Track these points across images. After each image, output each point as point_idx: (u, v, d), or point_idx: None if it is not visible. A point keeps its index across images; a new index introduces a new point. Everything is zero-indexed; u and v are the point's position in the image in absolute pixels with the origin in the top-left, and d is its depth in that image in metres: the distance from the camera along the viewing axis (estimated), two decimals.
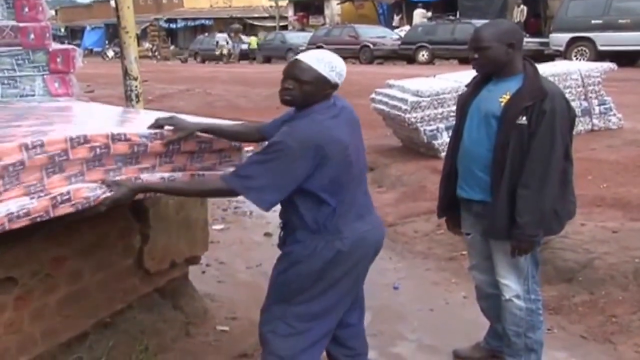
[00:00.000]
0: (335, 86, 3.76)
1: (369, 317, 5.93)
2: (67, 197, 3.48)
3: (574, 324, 5.74)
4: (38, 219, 3.39)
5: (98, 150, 3.62)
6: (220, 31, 53.11)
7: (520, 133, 4.18)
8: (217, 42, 47.48)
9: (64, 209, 3.49)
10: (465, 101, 4.61)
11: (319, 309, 3.94)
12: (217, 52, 46.93)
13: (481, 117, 4.40)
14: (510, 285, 4.56)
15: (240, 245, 8.14)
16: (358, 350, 4.41)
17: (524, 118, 4.17)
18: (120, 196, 3.68)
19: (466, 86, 4.80)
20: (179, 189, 3.99)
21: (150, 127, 3.93)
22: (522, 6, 34.32)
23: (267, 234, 8.45)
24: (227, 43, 47.20)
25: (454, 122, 10.61)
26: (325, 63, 3.69)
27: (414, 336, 5.74)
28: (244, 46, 46.79)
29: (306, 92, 3.68)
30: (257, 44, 45.58)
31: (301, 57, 3.74)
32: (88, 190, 3.59)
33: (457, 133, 4.65)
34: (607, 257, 6.29)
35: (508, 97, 4.25)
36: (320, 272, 3.84)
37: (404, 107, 10.53)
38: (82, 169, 3.60)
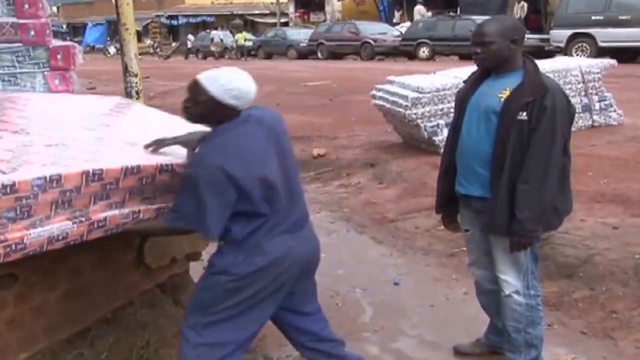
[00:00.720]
0: (233, 107, 3.68)
1: (370, 313, 5.97)
2: (103, 223, 3.55)
3: (574, 319, 5.75)
4: (71, 242, 3.44)
5: (144, 180, 3.68)
6: (215, 28, 53.21)
7: (520, 128, 4.19)
8: (212, 39, 47.90)
9: (97, 234, 3.56)
10: (463, 97, 4.61)
11: (233, 322, 3.89)
12: (213, 49, 47.32)
13: (480, 112, 4.40)
14: (510, 281, 4.56)
15: None
16: (322, 334, 4.39)
17: (524, 113, 4.17)
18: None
19: (464, 82, 4.81)
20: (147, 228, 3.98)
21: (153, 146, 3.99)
22: (522, 2, 34.27)
23: None
24: (222, 40, 47.54)
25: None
26: (220, 85, 3.62)
27: (415, 332, 5.75)
28: (232, 43, 46.70)
29: (201, 112, 3.69)
30: (245, 40, 45.45)
31: (200, 76, 3.69)
32: (121, 217, 3.64)
33: (455, 129, 4.66)
34: (607, 253, 6.31)
35: (508, 92, 4.26)
36: (237, 285, 3.80)
37: (404, 103, 10.54)
38: (124, 197, 3.64)
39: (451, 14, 34.85)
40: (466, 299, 6.12)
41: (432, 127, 10.55)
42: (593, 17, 24.41)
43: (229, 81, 3.63)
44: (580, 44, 24.80)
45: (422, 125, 10.48)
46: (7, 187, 3.10)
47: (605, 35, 23.83)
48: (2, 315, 4.14)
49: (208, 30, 53.16)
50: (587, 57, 21.21)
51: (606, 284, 6.05)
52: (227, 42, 47.24)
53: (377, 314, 6.05)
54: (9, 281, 4.14)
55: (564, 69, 11.32)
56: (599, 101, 11.61)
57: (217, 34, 48.56)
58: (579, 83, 11.38)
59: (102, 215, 3.53)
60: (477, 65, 4.50)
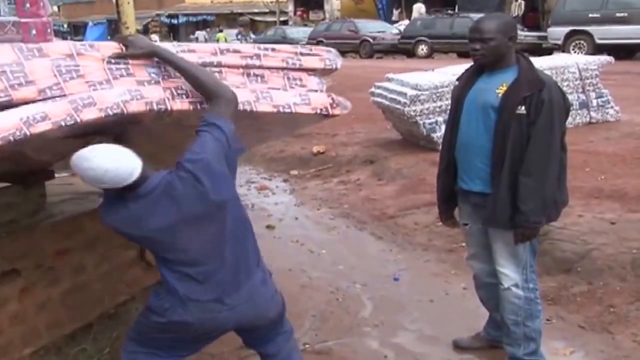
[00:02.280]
0: (109, 189, 3.36)
1: (370, 308, 6.01)
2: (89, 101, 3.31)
3: (573, 314, 5.77)
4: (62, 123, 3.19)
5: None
6: (218, 26, 53.60)
7: (519, 122, 4.24)
8: (197, 39, 49.23)
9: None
10: (460, 94, 4.65)
11: (151, 352, 3.81)
12: None
13: (478, 109, 4.44)
14: (509, 274, 4.60)
15: None
16: None
17: (523, 108, 4.23)
18: (134, 52, 3.53)
19: (457, 80, 4.85)
20: (187, 69, 3.56)
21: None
22: (519, 0, 34.30)
23: (269, 227, 8.52)
24: (206, 40, 48.30)
25: None
26: (81, 174, 3.29)
27: (415, 326, 5.78)
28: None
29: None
30: (225, 39, 46.00)
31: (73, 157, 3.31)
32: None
33: (453, 126, 4.69)
34: (605, 248, 6.34)
35: (505, 87, 4.31)
36: (161, 328, 3.68)
37: (403, 100, 10.57)
38: (107, 77, 3.48)
39: (449, 11, 34.84)
40: (465, 293, 6.16)
41: (430, 124, 10.58)
42: (590, 15, 24.41)
43: (84, 170, 3.25)
44: (577, 42, 24.81)
45: (420, 122, 10.51)
46: None
47: (603, 33, 23.83)
48: (6, 310, 4.18)
49: (208, 29, 53.29)
50: (585, 54, 21.23)
51: (604, 278, 6.08)
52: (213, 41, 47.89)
53: (377, 309, 6.08)
54: (12, 277, 4.18)
55: (562, 66, 11.35)
56: (597, 98, 11.64)
57: (202, 34, 50.68)
58: (576, 80, 11.40)
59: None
60: (476, 61, 4.52)
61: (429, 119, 10.57)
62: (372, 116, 12.74)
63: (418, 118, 10.47)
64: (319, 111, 4.03)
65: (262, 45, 3.97)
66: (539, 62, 12.16)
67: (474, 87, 4.54)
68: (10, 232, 4.28)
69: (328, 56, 4.17)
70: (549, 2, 33.85)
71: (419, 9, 39.08)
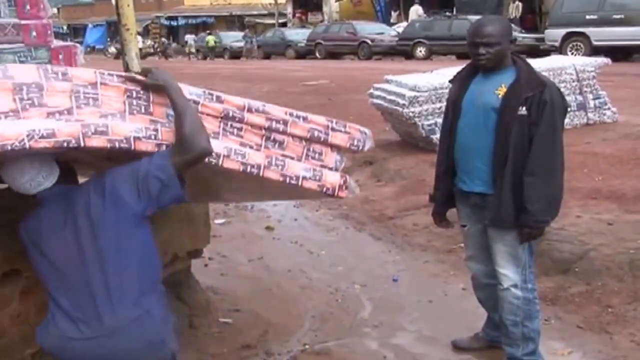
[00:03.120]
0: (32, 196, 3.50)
1: (369, 309, 6.03)
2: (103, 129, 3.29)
3: (571, 314, 5.81)
4: (65, 144, 3.17)
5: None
6: (198, 31, 55.21)
7: (520, 123, 4.28)
8: (187, 42, 52.12)
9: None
10: (457, 96, 4.68)
11: None
12: (186, 50, 51.53)
13: (478, 110, 4.48)
14: (509, 275, 4.63)
15: (242, 239, 8.21)
16: None
17: (524, 108, 4.27)
18: (147, 82, 3.49)
19: (450, 82, 4.88)
20: (180, 114, 3.41)
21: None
22: (517, 2, 34.32)
23: (268, 228, 8.54)
24: (194, 42, 51.50)
25: None
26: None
27: (414, 327, 5.81)
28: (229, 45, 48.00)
29: None
30: (214, 42, 48.77)
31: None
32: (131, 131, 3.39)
33: (451, 128, 4.72)
34: (602, 248, 6.37)
35: (504, 89, 4.35)
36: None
37: (402, 102, 10.60)
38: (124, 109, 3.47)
39: (447, 13, 34.87)
40: (464, 294, 6.17)
41: (429, 125, 10.60)
42: (587, 17, 24.48)
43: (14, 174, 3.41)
44: (574, 43, 24.87)
45: (419, 123, 10.54)
46: None
47: (600, 34, 23.89)
48: (7, 311, 4.18)
49: (208, 32, 53.44)
50: (582, 55, 21.26)
51: (602, 279, 6.11)
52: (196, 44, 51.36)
53: (376, 309, 6.11)
54: (13, 277, 4.19)
55: (559, 68, 11.38)
56: (594, 99, 11.66)
57: (191, 37, 52.87)
58: (573, 81, 11.43)
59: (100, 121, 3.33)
60: (481, 66, 4.54)
61: (428, 120, 10.60)
62: (370, 118, 12.72)
63: (417, 119, 10.51)
64: (325, 190, 3.91)
65: (294, 112, 3.84)
66: (537, 64, 12.14)
67: (471, 89, 4.57)
68: (11, 233, 4.29)
69: (359, 137, 3.99)
70: (546, 4, 33.91)
71: (416, 10, 39.11)
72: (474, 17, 31.08)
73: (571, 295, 6.06)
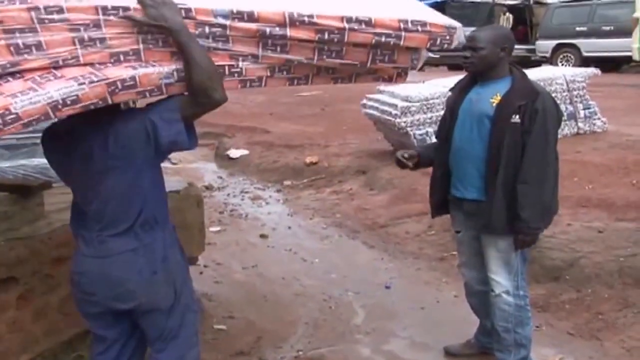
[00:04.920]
0: None
1: (362, 316, 6.06)
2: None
3: (562, 321, 5.85)
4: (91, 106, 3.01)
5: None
6: None
7: (513, 131, 4.33)
8: None
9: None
10: (454, 103, 4.73)
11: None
12: None
13: (473, 118, 4.53)
14: (500, 281, 4.66)
15: (237, 247, 8.23)
16: None
17: (517, 117, 4.32)
18: (144, 20, 3.07)
19: (451, 90, 4.94)
20: (197, 60, 3.12)
21: None
22: (508, 14, 34.42)
23: (263, 236, 8.55)
24: None
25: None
26: None
27: (406, 334, 5.84)
28: None
29: None
30: None
31: None
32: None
33: (446, 135, 4.76)
34: (592, 256, 6.42)
35: (499, 97, 4.40)
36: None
37: (394, 112, 10.64)
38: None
39: None
40: (456, 301, 6.20)
41: (421, 134, 10.65)
42: (577, 28, 24.63)
43: None
44: (565, 54, 25.03)
45: (411, 133, 10.58)
46: None
47: (590, 46, 24.06)
48: (4, 317, 4.21)
49: None
50: (572, 66, 21.37)
51: (592, 286, 6.17)
52: None
53: (369, 316, 6.14)
54: (10, 284, 4.22)
55: (550, 78, 11.42)
56: (584, 109, 11.70)
57: None
58: (564, 91, 11.47)
59: (130, 73, 3.08)
60: (466, 69, 4.65)
61: (420, 130, 10.64)
62: (363, 127, 12.79)
63: (409, 129, 10.55)
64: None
65: (354, 17, 3.32)
66: (529, 75, 12.24)
67: (468, 97, 4.63)
68: (9, 240, 4.32)
69: (443, 33, 3.59)
70: (537, 15, 33.98)
71: None
72: (465, 29, 31.24)
73: (562, 302, 6.11)
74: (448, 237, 7.73)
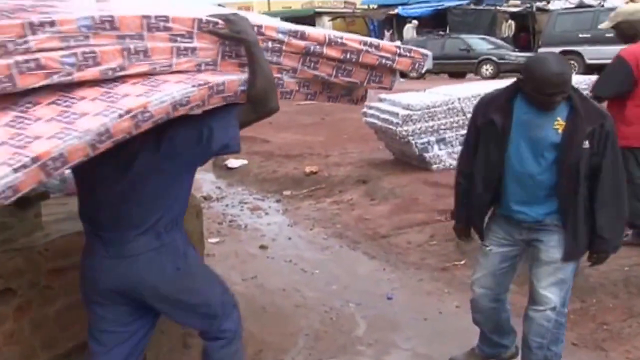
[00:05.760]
0: None
1: (364, 327, 6.02)
2: (221, 87, 3.44)
3: (566, 331, 5.71)
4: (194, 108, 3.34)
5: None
6: None
7: (585, 156, 4.22)
8: None
9: (216, 100, 3.47)
10: (504, 123, 4.44)
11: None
12: None
13: (535, 143, 4.34)
14: (552, 298, 4.51)
15: (236, 258, 8.18)
16: None
17: (587, 142, 4.19)
18: (226, 33, 3.47)
19: (485, 100, 4.70)
20: (263, 72, 3.51)
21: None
22: (510, 21, 34.56)
23: (262, 247, 8.51)
24: None
25: (444, 135, 10.62)
26: None
27: (408, 345, 5.79)
28: None
29: None
30: None
31: None
32: (239, 83, 3.55)
33: (497, 162, 4.51)
34: (597, 265, 6.33)
35: (562, 122, 4.24)
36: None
37: (395, 120, 10.63)
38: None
39: (440, 32, 35.05)
40: (459, 312, 6.18)
41: (422, 143, 10.64)
42: (580, 35, 24.67)
43: None
44: (568, 62, 24.99)
45: (413, 142, 10.57)
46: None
47: (593, 53, 24.05)
48: (1, 329, 4.17)
49: None
50: (576, 74, 21.34)
51: (597, 296, 6.12)
52: None
53: (370, 327, 6.09)
54: (7, 296, 4.17)
55: None
56: None
57: None
58: None
59: (220, 79, 3.43)
60: (547, 108, 4.28)
61: (421, 138, 10.64)
62: (364, 136, 12.79)
63: (410, 138, 10.54)
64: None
65: (368, 41, 3.98)
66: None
67: (519, 118, 4.39)
68: (6, 251, 4.28)
69: (420, 60, 4.14)
70: (539, 22, 34.14)
71: (410, 28, 39.28)
72: (467, 37, 31.40)
73: (566, 312, 6.03)
74: (450, 247, 7.69)
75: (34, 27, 2.91)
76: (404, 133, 10.51)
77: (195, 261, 3.91)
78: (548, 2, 35.47)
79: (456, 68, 30.83)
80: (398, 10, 43.64)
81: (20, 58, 2.87)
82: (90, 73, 3.08)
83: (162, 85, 3.20)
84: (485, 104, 4.65)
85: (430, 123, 10.70)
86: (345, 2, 53.03)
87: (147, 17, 3.23)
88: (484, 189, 4.65)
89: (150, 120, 3.07)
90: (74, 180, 3.75)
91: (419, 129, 10.63)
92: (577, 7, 27.42)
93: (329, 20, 50.72)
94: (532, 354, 4.65)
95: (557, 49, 24.86)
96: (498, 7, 38.75)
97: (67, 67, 3.01)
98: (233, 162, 13.16)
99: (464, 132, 11.23)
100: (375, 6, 47.95)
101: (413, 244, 8.15)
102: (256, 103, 3.53)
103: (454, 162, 10.77)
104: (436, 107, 10.74)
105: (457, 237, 5.16)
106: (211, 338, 3.97)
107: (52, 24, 2.96)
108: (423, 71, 4.39)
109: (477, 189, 4.69)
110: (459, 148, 10.91)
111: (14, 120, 2.88)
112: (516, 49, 31.89)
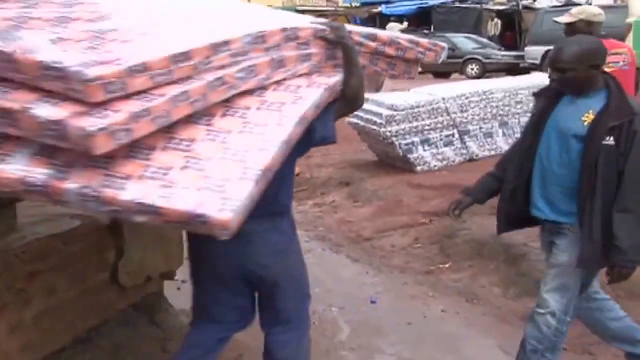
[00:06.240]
0: None
1: (347, 331, 5.95)
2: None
3: None
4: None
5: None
6: None
7: (607, 154, 4.02)
8: None
9: None
10: (541, 115, 4.41)
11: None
12: None
13: (561, 136, 4.23)
14: (551, 302, 4.40)
15: None
16: None
17: (611, 138, 4.00)
18: (332, 38, 3.92)
19: (535, 96, 4.66)
20: (357, 74, 3.99)
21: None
22: (496, 19, 34.61)
23: None
24: None
25: (429, 136, 10.57)
26: None
27: (393, 350, 5.72)
28: None
29: None
30: None
31: None
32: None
33: (529, 148, 4.46)
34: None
35: (592, 116, 4.10)
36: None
37: (378, 121, 10.57)
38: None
39: (425, 31, 35.04)
40: (444, 316, 6.14)
41: (406, 144, 10.59)
42: None
43: None
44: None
45: (396, 142, 10.51)
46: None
47: None
48: None
49: None
50: None
51: None
52: None
53: (354, 332, 6.02)
54: None
55: (540, 85, 11.36)
56: None
57: None
58: None
59: (331, 80, 3.83)
60: (566, 88, 4.30)
61: (405, 139, 10.58)
62: (347, 137, 12.71)
63: (394, 139, 10.48)
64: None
65: (413, 38, 4.60)
66: (517, 82, 12.23)
67: (558, 110, 4.32)
68: None
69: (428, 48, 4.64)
70: (526, 21, 34.23)
71: (393, 27, 39.27)
72: (452, 35, 31.41)
73: None
74: (434, 250, 7.65)
75: (216, 48, 3.21)
76: (387, 134, 10.45)
77: (299, 245, 4.31)
78: (534, 0, 35.60)
79: (441, 67, 30.82)
80: (381, 8, 43.65)
81: (210, 77, 3.13)
82: (250, 84, 3.41)
83: (300, 90, 3.58)
84: (538, 95, 4.63)
85: (414, 123, 10.65)
86: (327, 0, 53.01)
87: (285, 29, 3.66)
88: (514, 176, 4.53)
89: (305, 124, 3.46)
90: None
91: (403, 130, 10.58)
92: (564, 5, 27.34)
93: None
94: (525, 356, 4.54)
95: (544, 48, 24.91)
96: (484, 5, 38.82)
97: (238, 82, 3.32)
98: None
99: (449, 132, 11.23)
100: (358, 4, 47.99)
101: (397, 247, 8.10)
102: (349, 100, 3.98)
103: (439, 164, 10.79)
104: (420, 107, 10.70)
105: (451, 207, 4.88)
106: (291, 328, 4.34)
107: (226, 43, 3.29)
108: (439, 61, 4.83)
109: (507, 175, 4.59)
110: (443, 149, 10.91)
111: (208, 134, 3.07)
112: (502, 48, 31.93)
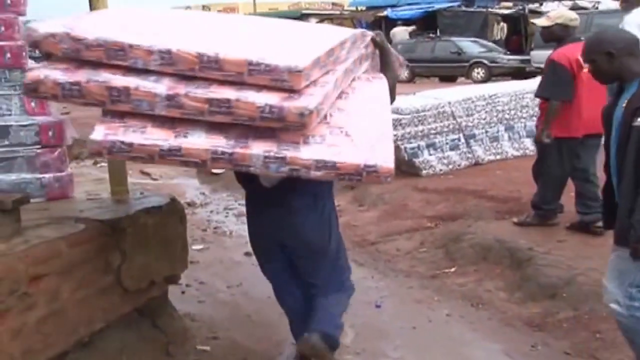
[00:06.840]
0: None
1: (352, 335, 5.92)
2: None
3: (559, 340, 5.71)
4: None
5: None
6: None
7: (637, 135, 4.04)
8: None
9: None
10: (607, 112, 4.45)
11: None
12: None
13: (615, 127, 4.27)
14: (610, 289, 4.37)
15: (220, 265, 8.08)
16: None
17: (639, 120, 4.04)
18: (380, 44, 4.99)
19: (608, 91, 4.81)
20: (395, 72, 5.06)
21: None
22: (502, 24, 34.54)
23: (247, 254, 8.34)
24: None
25: (434, 140, 10.57)
26: None
27: (397, 354, 5.70)
28: None
29: None
30: None
31: None
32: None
33: (607, 146, 4.47)
34: (590, 273, 6.25)
35: (626, 102, 4.18)
36: None
37: None
38: None
39: (431, 35, 35.03)
40: (449, 320, 6.12)
41: (412, 148, 10.56)
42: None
43: None
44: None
45: (402, 147, 10.47)
46: None
47: None
48: None
49: None
50: None
51: (590, 304, 5.99)
52: None
53: (358, 336, 5.98)
54: None
55: None
56: None
57: None
58: None
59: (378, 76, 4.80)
60: (597, 79, 4.49)
61: (411, 143, 10.55)
62: None
63: (399, 142, 10.44)
64: None
65: None
66: (523, 86, 12.19)
67: (618, 104, 4.35)
68: None
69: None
70: (531, 25, 34.10)
71: (399, 32, 39.23)
72: (457, 39, 31.38)
73: (559, 320, 5.98)
74: (440, 255, 7.62)
75: (342, 45, 4.15)
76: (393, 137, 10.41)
77: (338, 227, 5.09)
78: (541, 4, 35.50)
79: (447, 71, 30.83)
80: (387, 12, 43.57)
81: (342, 68, 4.12)
82: (355, 74, 4.43)
83: (374, 81, 4.64)
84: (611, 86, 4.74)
85: (420, 127, 10.62)
86: (332, 4, 53.09)
87: (364, 33, 4.79)
88: (604, 183, 4.55)
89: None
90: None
91: (409, 134, 10.55)
92: (570, 9, 27.32)
93: (316, 22, 50.78)
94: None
95: (549, 52, 24.83)
96: (490, 9, 38.75)
97: (353, 71, 4.40)
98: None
99: (454, 136, 11.19)
100: (364, 8, 47.88)
101: (402, 251, 8.06)
102: (386, 74, 4.84)
103: (444, 168, 10.76)
104: (426, 111, 10.67)
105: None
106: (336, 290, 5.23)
107: (342, 43, 4.17)
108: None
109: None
110: (449, 153, 10.87)
111: (338, 111, 3.99)
112: (508, 52, 31.88)
